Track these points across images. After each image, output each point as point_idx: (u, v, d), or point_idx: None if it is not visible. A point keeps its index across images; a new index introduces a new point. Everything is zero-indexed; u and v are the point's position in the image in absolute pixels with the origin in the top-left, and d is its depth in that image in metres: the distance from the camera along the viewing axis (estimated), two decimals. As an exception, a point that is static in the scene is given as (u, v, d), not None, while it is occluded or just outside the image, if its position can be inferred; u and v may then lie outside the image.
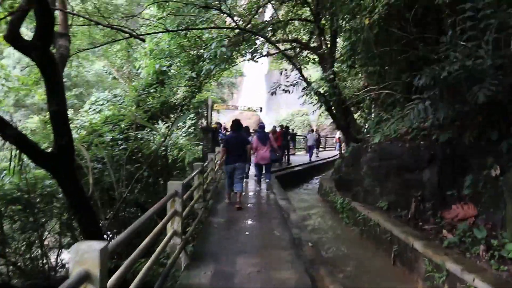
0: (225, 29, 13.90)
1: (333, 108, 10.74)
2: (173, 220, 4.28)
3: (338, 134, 34.95)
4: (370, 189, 8.20)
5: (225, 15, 14.69)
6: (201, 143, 14.52)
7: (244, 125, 9.64)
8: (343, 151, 25.62)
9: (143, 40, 5.90)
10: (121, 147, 12.46)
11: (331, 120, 37.38)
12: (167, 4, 11.91)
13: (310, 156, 20.04)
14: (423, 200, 7.13)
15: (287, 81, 9.31)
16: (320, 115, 23.10)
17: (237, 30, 14.13)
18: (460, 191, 6.78)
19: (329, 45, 13.61)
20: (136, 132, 13.19)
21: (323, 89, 9.44)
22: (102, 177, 11.05)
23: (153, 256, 3.47)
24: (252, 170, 11.10)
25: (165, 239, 4.06)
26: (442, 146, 7.04)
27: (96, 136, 12.45)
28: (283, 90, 9.37)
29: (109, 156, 11.43)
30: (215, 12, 11.26)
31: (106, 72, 30.93)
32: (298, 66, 10.84)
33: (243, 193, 8.54)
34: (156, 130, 13.32)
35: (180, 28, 12.20)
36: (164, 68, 13.24)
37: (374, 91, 9.31)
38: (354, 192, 8.76)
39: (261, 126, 10.49)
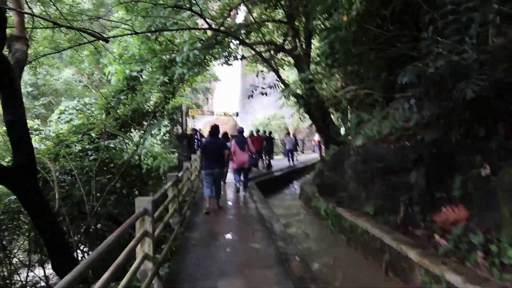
0: (197, 31, 13.44)
1: (311, 110, 10.39)
2: (143, 242, 3.74)
3: (316, 136, 34.92)
4: (355, 194, 7.84)
5: (197, 18, 14.26)
6: (177, 151, 13.92)
7: (222, 131, 9.77)
8: (323, 154, 25.58)
9: (107, 41, 5.35)
10: (91, 157, 11.80)
11: (308, 123, 37.42)
12: (136, 6, 11.35)
13: (291, 160, 19.71)
14: (411, 203, 6.81)
15: (264, 83, 8.90)
16: (300, 118, 22.84)
17: (210, 33, 13.70)
18: (449, 193, 6.48)
19: (304, 46, 13.33)
20: (107, 141, 12.54)
21: (300, 91, 9.07)
22: (71, 190, 10.43)
23: (122, 285, 2.97)
24: (230, 176, 11.25)
25: (135, 264, 3.53)
26: (429, 146, 6.73)
27: (64, 147, 11.77)
28: (261, 93, 8.96)
29: (77, 168, 10.78)
30: (186, 14, 10.76)
31: (76, 80, 29.94)
32: (274, 67, 10.43)
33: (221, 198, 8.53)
34: (128, 138, 12.67)
35: (150, 30, 11.67)
36: (135, 74, 12.59)
37: (353, 91, 8.99)
38: (338, 197, 8.39)
39: (240, 131, 10.35)
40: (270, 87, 8.80)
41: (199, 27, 13.99)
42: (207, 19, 11.41)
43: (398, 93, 9.97)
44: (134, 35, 12.61)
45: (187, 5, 9.17)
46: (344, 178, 8.22)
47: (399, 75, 8.60)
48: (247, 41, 15.31)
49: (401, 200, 6.82)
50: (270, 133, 19.81)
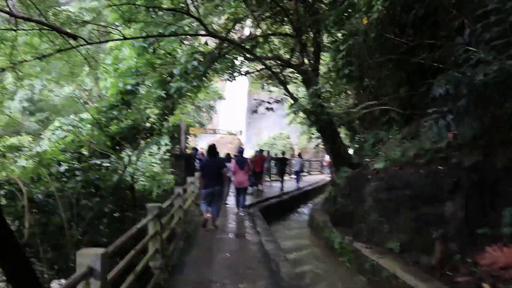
0: (199, 44, 12.54)
1: (323, 128, 9.31)
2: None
3: (327, 157, 33.80)
4: (376, 226, 6.65)
5: (197, 26, 13.38)
6: (174, 172, 12.78)
7: (227, 152, 11.17)
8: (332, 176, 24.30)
9: (74, 37, 4.36)
10: (79, 178, 10.72)
11: (315, 143, 36.32)
12: (130, 13, 10.44)
13: (298, 181, 18.80)
14: (446, 240, 5.63)
15: (271, 97, 7.87)
16: (311, 137, 21.82)
17: (212, 45, 12.78)
18: (495, 229, 5.31)
19: (312, 61, 12.39)
20: (100, 160, 11.50)
21: (309, 107, 8.00)
22: (51, 216, 9.34)
23: None
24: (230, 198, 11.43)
25: None
26: (467, 172, 5.58)
27: (48, 166, 10.73)
28: (266, 108, 7.93)
29: (62, 190, 9.71)
30: (186, 22, 9.80)
31: (76, 96, 29.17)
32: (283, 80, 9.41)
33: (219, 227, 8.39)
34: (119, 157, 11.58)
35: (142, 36, 10.75)
36: (129, 87, 11.59)
37: (373, 107, 7.92)
38: (355, 229, 7.19)
39: (240, 151, 10.57)
40: (278, 101, 7.78)
41: (201, 42, 13.12)
42: (208, 28, 10.46)
43: (418, 110, 8.91)
44: (131, 46, 11.83)
45: (183, 8, 8.21)
46: (362, 207, 7.04)
47: (420, 88, 7.53)
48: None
49: (435, 237, 5.64)
50: (283, 153, 18.95)
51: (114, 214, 11.35)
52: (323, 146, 35.00)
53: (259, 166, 14.40)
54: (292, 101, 8.55)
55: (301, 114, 8.34)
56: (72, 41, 9.20)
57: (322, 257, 7.92)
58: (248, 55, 13.34)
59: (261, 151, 16.13)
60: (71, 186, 10.23)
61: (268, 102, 7.60)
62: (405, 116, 9.58)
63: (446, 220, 5.63)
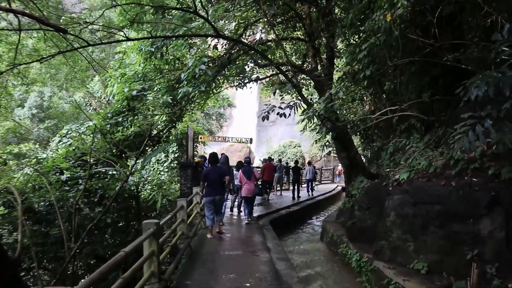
0: (209, 50, 12.10)
1: (339, 136, 8.66)
2: None
3: (339, 166, 33.13)
4: (400, 245, 5.99)
5: (208, 38, 12.97)
6: (179, 181, 12.22)
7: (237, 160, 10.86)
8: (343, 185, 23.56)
9: (65, 31, 3.84)
10: (81, 187, 10.26)
11: (326, 152, 35.67)
12: (140, 18, 10.04)
13: (311, 191, 18.25)
14: (481, 262, 4.96)
15: (283, 102, 7.31)
16: (325, 145, 21.24)
17: (222, 51, 12.33)
18: (540, 251, 4.66)
19: (325, 66, 11.84)
20: (105, 169, 11.07)
21: (325, 112, 7.38)
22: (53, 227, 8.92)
23: None
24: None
25: None
26: (507, 185, 4.93)
27: (52, 174, 10.33)
28: (278, 113, 7.35)
29: (62, 199, 9.26)
30: (195, 24, 9.32)
31: (86, 103, 29.00)
32: (296, 84, 8.82)
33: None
34: (124, 165, 11.10)
35: (147, 36, 10.34)
36: (135, 93, 11.13)
37: (393, 114, 7.28)
38: (376, 247, 6.52)
39: (247, 161, 10.54)
40: (290, 107, 7.23)
41: (210, 43, 12.64)
42: (218, 30, 9.97)
43: (440, 116, 8.24)
44: (138, 51, 11.42)
45: (191, 8, 7.70)
46: (384, 223, 6.39)
47: (444, 93, 6.93)
48: (263, 61, 13.93)
49: (469, 258, 4.98)
50: (297, 162, 18.32)
51: (119, 224, 10.88)
52: (335, 155, 34.28)
53: (267, 174, 13.80)
54: (305, 107, 7.97)
55: (315, 120, 7.75)
56: (76, 44, 8.83)
57: (338, 277, 7.23)
58: (259, 61, 12.85)
59: (269, 159, 15.49)
60: (72, 195, 9.79)
61: (280, 107, 7.05)
62: (425, 123, 8.96)
63: (482, 240, 4.98)
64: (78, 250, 8.18)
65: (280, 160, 19.47)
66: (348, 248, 7.54)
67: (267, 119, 7.37)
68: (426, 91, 8.20)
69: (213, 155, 8.71)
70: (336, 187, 24.70)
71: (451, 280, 5.12)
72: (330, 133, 7.36)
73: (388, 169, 7.83)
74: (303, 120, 7.10)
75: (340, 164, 33.91)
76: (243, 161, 10.65)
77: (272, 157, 30.14)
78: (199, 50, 11.65)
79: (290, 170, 24.51)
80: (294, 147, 40.72)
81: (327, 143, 35.30)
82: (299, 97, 8.28)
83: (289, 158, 38.75)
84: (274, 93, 9.24)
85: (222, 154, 10.97)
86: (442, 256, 5.39)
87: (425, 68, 8.09)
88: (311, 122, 7.65)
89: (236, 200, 11.86)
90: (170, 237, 5.42)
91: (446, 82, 8.12)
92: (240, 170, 10.26)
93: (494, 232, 4.87)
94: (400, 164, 7.77)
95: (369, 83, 6.62)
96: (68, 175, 10.29)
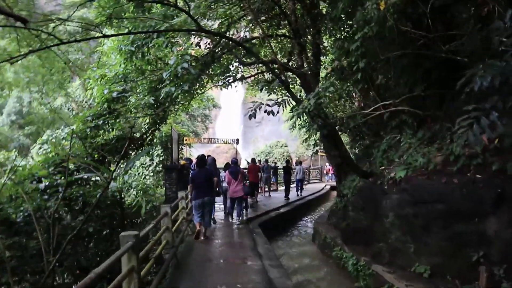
0: (189, 42, 11.67)
1: (330, 133, 8.31)
2: None
3: (326, 164, 32.98)
4: (400, 247, 5.66)
5: (192, 38, 12.59)
6: (164, 185, 11.72)
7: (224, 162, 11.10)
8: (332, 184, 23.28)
9: (25, 21, 3.38)
10: (61, 195, 9.71)
11: (313, 151, 35.39)
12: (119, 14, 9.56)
13: (301, 190, 18.24)
14: (488, 263, 4.66)
15: (270, 99, 6.92)
16: (311, 144, 20.95)
17: (206, 49, 11.94)
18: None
19: (311, 64, 11.55)
20: (87, 175, 10.53)
21: (314, 109, 7.00)
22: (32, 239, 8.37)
23: None
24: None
25: None
26: (513, 181, 4.64)
27: (28, 183, 9.76)
28: (265, 111, 6.99)
29: (36, 210, 8.72)
30: (176, 21, 8.87)
31: (68, 108, 28.19)
32: (284, 80, 8.42)
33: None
34: (106, 171, 10.58)
35: (128, 34, 9.92)
36: (115, 94, 10.61)
37: (387, 109, 6.96)
38: (374, 249, 6.19)
39: (234, 162, 10.54)
40: (278, 104, 6.87)
41: (194, 46, 12.19)
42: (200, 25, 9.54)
43: (432, 111, 7.98)
44: (118, 50, 10.93)
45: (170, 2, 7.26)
46: (381, 224, 6.07)
47: (437, 87, 6.71)
48: (248, 60, 13.57)
49: (475, 260, 4.67)
50: (288, 162, 18.32)
51: (104, 232, 10.38)
52: (322, 154, 34.05)
53: (253, 176, 13.29)
54: (293, 104, 7.60)
55: (304, 118, 7.41)
56: (49, 42, 8.29)
57: (334, 282, 6.87)
58: (243, 59, 12.49)
59: (253, 160, 14.93)
60: (51, 204, 9.25)
61: (268, 105, 6.70)
62: (417, 119, 8.71)
63: (488, 240, 4.68)
64: (57, 264, 7.70)
65: (267, 161, 19.05)
66: (343, 251, 7.18)
67: (254, 117, 6.98)
68: (419, 85, 7.92)
69: (201, 157, 8.56)
70: (324, 186, 24.44)
71: (457, 284, 4.81)
72: (320, 131, 7.00)
73: (382, 167, 7.51)
74: (292, 117, 6.72)
75: (327, 163, 33.86)
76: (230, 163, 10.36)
77: (260, 159, 29.75)
78: (182, 48, 11.20)
79: (280, 170, 24.24)
80: (281, 147, 40.40)
81: (315, 142, 35.19)
82: (287, 94, 7.88)
83: (276, 158, 38.40)
84: (261, 90, 8.83)
85: (208, 156, 10.62)
86: (446, 258, 5.08)
87: (418, 61, 7.81)
88: (300, 120, 7.30)
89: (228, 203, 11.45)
90: (155, 246, 4.96)
91: (439, 76, 7.86)
92: (227, 171, 10.19)
93: (501, 231, 4.57)
94: (394, 162, 7.46)
95: (362, 77, 6.26)
96: (47, 183, 9.75)
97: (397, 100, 7.19)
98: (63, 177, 10.76)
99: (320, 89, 6.29)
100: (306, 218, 14.32)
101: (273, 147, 40.65)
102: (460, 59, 6.53)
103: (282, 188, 23.08)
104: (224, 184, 11.01)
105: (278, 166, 24.03)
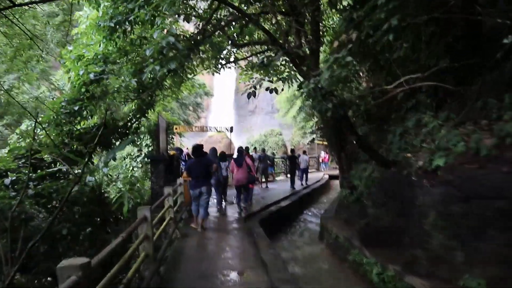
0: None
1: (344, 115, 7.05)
2: None
3: (323, 153, 31.92)
4: (443, 254, 4.48)
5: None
6: (151, 178, 10.42)
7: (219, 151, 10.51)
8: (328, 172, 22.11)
9: None
10: (31, 192, 8.46)
11: (308, 139, 34.25)
12: None
13: (306, 180, 17.82)
14: None
15: (263, 79, 5.65)
16: (311, 132, 19.70)
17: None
18: None
19: (311, 43, 10.33)
20: (68, 168, 9.30)
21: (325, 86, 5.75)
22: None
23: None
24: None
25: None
26: None
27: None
28: (267, 89, 5.77)
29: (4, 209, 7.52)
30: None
31: (51, 97, 26.69)
32: (292, 51, 7.14)
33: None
34: (82, 162, 9.32)
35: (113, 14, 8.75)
36: (92, 76, 9.27)
37: (414, 84, 5.77)
38: (406, 256, 5.00)
39: (240, 150, 10.24)
40: (284, 80, 5.66)
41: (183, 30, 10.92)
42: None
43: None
44: (97, 28, 9.63)
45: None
46: (417, 224, 4.88)
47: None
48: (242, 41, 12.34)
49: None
50: (293, 150, 17.47)
51: (82, 232, 9.21)
52: (319, 142, 32.84)
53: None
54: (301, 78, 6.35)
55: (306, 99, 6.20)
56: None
57: (355, 293, 5.71)
58: (236, 41, 11.31)
59: (247, 149, 13.47)
60: (16, 202, 7.97)
61: (270, 81, 5.53)
62: (436, 98, 7.57)
63: None
64: (16, 276, 6.53)
65: (264, 150, 17.83)
66: (363, 256, 5.99)
67: (254, 96, 5.74)
68: (443, 57, 6.76)
69: (196, 147, 8.23)
70: (323, 176, 23.32)
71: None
72: (330, 111, 5.72)
73: (408, 154, 6.32)
74: (302, 95, 5.47)
75: (323, 152, 32.72)
76: (225, 153, 9.51)
77: (255, 147, 28.34)
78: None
79: (276, 160, 23.04)
80: (276, 135, 39.25)
81: (312, 130, 34.00)
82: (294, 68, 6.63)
83: (270, 147, 37.29)
84: (262, 64, 7.47)
85: (201, 145, 9.59)
86: (506, 269, 3.92)
87: (445, 28, 6.62)
88: (308, 99, 6.07)
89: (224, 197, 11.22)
90: (126, 268, 3.70)
91: (468, 45, 6.70)
92: (232, 159, 10.03)
93: None
94: (420, 147, 6.28)
95: (395, 38, 5.00)
96: (13, 178, 8.46)
97: (424, 74, 5.98)
98: (40, 171, 9.55)
99: (337, 57, 5.02)
100: (308, 211, 13.15)
101: (267, 136, 39.53)
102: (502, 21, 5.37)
103: (279, 178, 22.03)
104: (224, 173, 10.46)
105: (275, 156, 22.93)
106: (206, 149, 9.33)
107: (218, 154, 10.31)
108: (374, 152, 6.60)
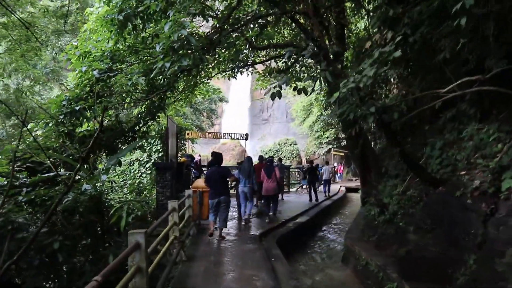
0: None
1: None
2: None
3: (336, 164, 31.02)
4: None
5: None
6: (156, 188, 9.49)
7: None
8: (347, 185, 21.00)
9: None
10: (23, 199, 7.70)
11: (324, 149, 33.20)
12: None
13: (328, 191, 17.82)
14: None
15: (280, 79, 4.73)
16: (330, 143, 18.71)
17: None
18: None
19: (335, 45, 9.47)
20: (67, 172, 8.58)
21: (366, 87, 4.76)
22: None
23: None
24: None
25: None
26: None
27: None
28: (294, 89, 4.88)
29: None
30: None
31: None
32: (318, 43, 6.21)
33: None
34: (84, 170, 8.49)
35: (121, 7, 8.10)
36: (96, 73, 8.46)
37: (466, 90, 4.79)
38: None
39: (270, 160, 11.04)
40: (313, 79, 4.78)
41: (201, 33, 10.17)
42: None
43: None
44: (104, 22, 8.93)
45: None
46: (485, 263, 3.85)
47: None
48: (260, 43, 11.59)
49: None
50: (312, 162, 16.74)
51: (79, 246, 8.44)
52: (335, 152, 31.76)
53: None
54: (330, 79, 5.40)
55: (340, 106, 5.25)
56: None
57: None
58: (254, 43, 10.60)
59: (261, 158, 12.81)
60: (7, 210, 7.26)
61: (299, 79, 4.65)
62: (480, 108, 6.57)
63: None
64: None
65: (280, 159, 16.97)
66: (403, 292, 4.97)
67: (279, 97, 4.82)
68: (502, 59, 5.76)
69: (216, 155, 8.25)
70: (340, 188, 22.23)
71: None
72: (372, 118, 4.74)
73: (462, 172, 5.30)
74: (339, 94, 4.50)
75: (336, 163, 31.67)
76: (246, 160, 9.92)
77: (262, 156, 27.52)
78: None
79: (292, 170, 22.16)
80: (290, 144, 38.39)
81: (328, 140, 32.91)
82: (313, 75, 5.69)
83: (284, 156, 36.38)
84: (289, 58, 6.45)
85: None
86: None
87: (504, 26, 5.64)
88: (342, 103, 5.12)
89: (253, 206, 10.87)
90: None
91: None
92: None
93: None
94: (475, 165, 5.27)
95: (467, 27, 3.99)
96: (4, 183, 7.68)
97: (483, 76, 4.96)
98: (39, 175, 8.77)
99: (383, 51, 4.07)
100: (327, 227, 12.12)
101: (281, 145, 38.74)
102: None
103: (293, 189, 21.01)
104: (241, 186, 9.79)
105: (291, 165, 22.07)
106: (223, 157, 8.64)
107: (237, 164, 9.92)
108: (421, 169, 5.58)
